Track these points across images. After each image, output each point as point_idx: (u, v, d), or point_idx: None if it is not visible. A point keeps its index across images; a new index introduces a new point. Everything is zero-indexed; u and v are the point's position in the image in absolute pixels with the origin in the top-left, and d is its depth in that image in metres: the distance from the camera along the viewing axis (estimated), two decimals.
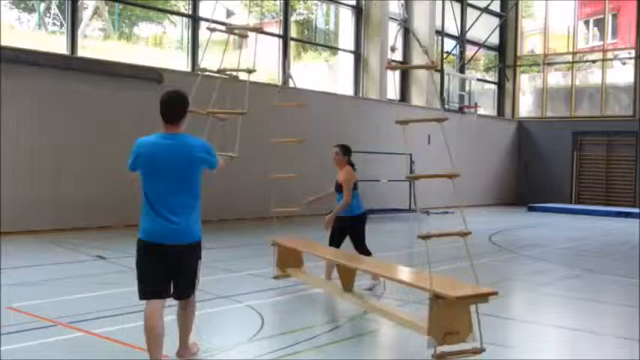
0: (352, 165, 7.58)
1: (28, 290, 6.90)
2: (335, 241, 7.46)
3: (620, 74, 23.57)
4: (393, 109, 19.95)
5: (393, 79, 20.92)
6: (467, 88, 22.29)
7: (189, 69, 15.10)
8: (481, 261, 10.03)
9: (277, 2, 17.63)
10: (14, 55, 11.61)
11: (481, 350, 4.36)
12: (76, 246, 10.18)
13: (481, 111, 22.76)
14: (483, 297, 4.43)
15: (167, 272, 4.34)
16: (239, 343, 5.25)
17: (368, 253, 7.42)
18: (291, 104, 10.12)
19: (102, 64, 12.98)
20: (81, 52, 13.16)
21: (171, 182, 4.38)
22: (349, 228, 7.41)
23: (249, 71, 5.62)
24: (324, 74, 20.23)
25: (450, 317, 4.40)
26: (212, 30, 5.93)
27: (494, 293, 4.43)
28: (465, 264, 9.58)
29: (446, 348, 4.41)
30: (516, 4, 25.01)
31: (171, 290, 4.42)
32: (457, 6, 22.66)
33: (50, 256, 9.26)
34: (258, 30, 6.39)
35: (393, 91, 20.77)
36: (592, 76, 24.44)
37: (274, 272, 7.66)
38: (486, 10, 23.53)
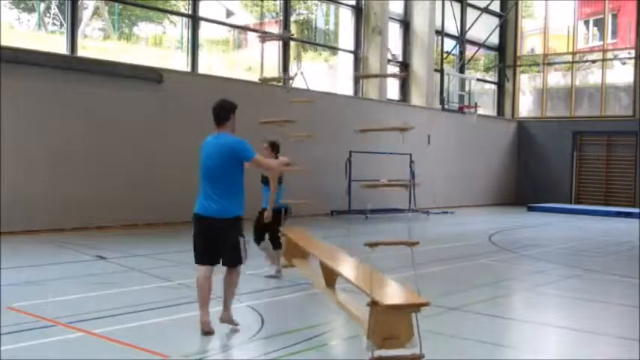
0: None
1: (27, 290, 6.90)
2: (261, 233, 7.91)
3: (620, 74, 23.58)
4: (393, 109, 19.95)
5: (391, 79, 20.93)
6: (467, 88, 22.29)
7: (189, 69, 15.10)
8: (480, 261, 10.04)
9: (277, 2, 17.63)
10: (14, 55, 11.61)
11: (420, 356, 4.40)
12: (76, 246, 10.18)
13: (481, 111, 22.76)
14: (415, 307, 4.47)
15: (212, 242, 5.32)
16: (239, 343, 5.25)
17: (278, 246, 7.90)
18: (304, 100, 10.30)
19: (102, 64, 12.98)
20: (81, 52, 13.16)
21: (213, 172, 5.36)
22: (274, 221, 7.88)
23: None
24: (324, 74, 20.23)
25: (389, 322, 4.45)
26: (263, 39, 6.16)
27: (427, 304, 4.45)
28: (453, 265, 9.61)
29: (384, 352, 4.42)
30: (516, 4, 25.01)
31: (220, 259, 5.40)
32: (457, 6, 22.66)
33: (50, 256, 9.26)
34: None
35: (392, 91, 20.79)
36: (592, 76, 24.45)
37: (281, 262, 7.72)
38: (486, 10, 23.54)
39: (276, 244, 7.87)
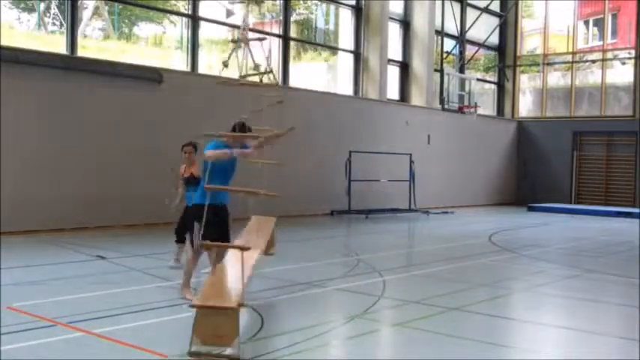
0: None
1: (27, 290, 6.90)
2: (188, 227, 8.03)
3: (620, 74, 23.57)
4: (393, 108, 19.95)
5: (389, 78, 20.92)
6: (466, 88, 22.26)
7: (189, 69, 15.10)
8: (481, 261, 10.04)
9: (277, 2, 17.63)
10: (14, 55, 11.61)
11: (237, 357, 4.57)
12: (76, 246, 10.18)
13: (481, 111, 22.73)
14: (222, 309, 4.63)
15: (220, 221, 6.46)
16: (240, 343, 5.24)
17: (182, 240, 8.17)
18: (273, 96, 10.20)
19: (102, 64, 12.98)
20: (81, 52, 13.16)
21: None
22: (191, 214, 7.94)
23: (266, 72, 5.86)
24: (324, 74, 20.24)
25: (214, 321, 4.62)
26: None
27: (233, 308, 4.60)
28: (452, 265, 9.62)
29: (206, 349, 4.58)
30: (516, 4, 25.01)
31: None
32: (457, 6, 22.65)
33: (50, 256, 9.26)
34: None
35: (392, 91, 20.78)
36: (592, 76, 24.44)
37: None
38: (486, 10, 23.53)
39: (181, 237, 8.26)
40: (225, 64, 6.20)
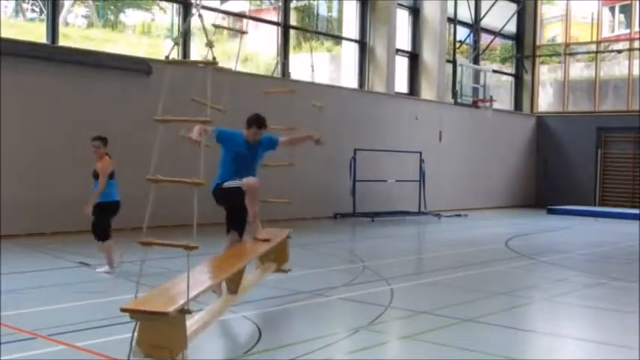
0: (109, 156, 8.96)
1: (4, 300, 6.91)
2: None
3: None
4: (402, 103, 19.96)
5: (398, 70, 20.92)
6: (481, 81, 22.27)
7: (180, 59, 15.10)
8: (496, 268, 10.04)
9: None
10: None
11: None
12: (57, 251, 10.19)
13: (497, 105, 22.75)
14: (156, 315, 4.56)
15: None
16: (234, 358, 5.26)
17: (101, 238, 8.67)
18: (280, 90, 10.52)
19: (85, 55, 12.99)
20: (62, 41, 13.17)
21: None
22: (99, 212, 8.70)
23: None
24: (327, 65, 20.23)
25: (158, 331, 4.58)
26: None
27: (162, 313, 4.52)
28: (466, 273, 9.62)
29: None
30: None
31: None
32: None
33: (29, 263, 9.27)
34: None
35: (401, 84, 20.79)
36: (618, 67, 24.43)
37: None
38: None
39: (100, 236, 8.68)
40: (177, 42, 6.57)
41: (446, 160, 21.03)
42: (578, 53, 25.28)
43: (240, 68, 16.60)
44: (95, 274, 8.54)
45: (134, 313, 4.60)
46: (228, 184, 7.11)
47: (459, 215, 19.27)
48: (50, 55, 12.45)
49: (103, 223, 8.75)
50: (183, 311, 4.64)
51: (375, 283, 8.44)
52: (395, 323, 6.54)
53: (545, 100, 25.81)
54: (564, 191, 23.75)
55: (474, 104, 21.77)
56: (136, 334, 4.56)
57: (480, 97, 22.01)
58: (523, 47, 25.43)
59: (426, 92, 21.07)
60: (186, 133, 7.21)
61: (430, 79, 21.10)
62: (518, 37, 25.47)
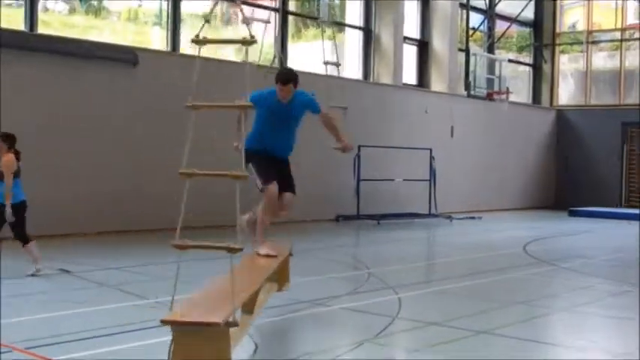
0: (17, 153, 8.93)
1: None
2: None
3: None
4: (410, 95, 19.95)
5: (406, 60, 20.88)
6: (496, 71, 22.24)
7: (168, 48, 15.10)
8: (513, 275, 10.03)
9: None
10: None
11: None
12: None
13: (513, 98, 22.73)
14: (199, 326, 4.46)
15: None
16: None
17: (26, 240, 8.90)
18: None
19: (66, 43, 12.98)
20: (41, 29, 13.16)
21: None
22: (15, 213, 8.72)
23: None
24: (328, 54, 20.18)
25: (198, 346, 4.46)
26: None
27: (216, 325, 4.40)
28: (481, 280, 9.60)
29: None
30: None
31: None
32: None
33: (4, 269, 9.24)
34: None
35: (409, 75, 20.77)
36: None
37: None
38: None
39: (21, 238, 8.89)
40: (207, 20, 6.25)
41: (458, 157, 21.01)
42: (601, 41, 25.25)
43: (236, 58, 16.58)
44: (78, 282, 8.52)
45: (177, 325, 4.44)
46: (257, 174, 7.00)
47: (473, 217, 19.26)
48: (28, 43, 12.42)
49: (21, 224, 8.92)
50: (229, 324, 4.49)
51: (381, 291, 8.42)
52: (403, 335, 6.52)
53: (566, 93, 25.79)
54: (587, 191, 23.72)
55: (489, 97, 21.74)
56: (172, 350, 4.44)
57: (495, 89, 21.98)
58: (542, 35, 25.41)
59: (437, 84, 21.05)
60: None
61: (441, 70, 21.08)
62: (537, 24, 25.44)
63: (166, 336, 5.87)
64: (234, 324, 4.53)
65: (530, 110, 24.64)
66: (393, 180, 18.48)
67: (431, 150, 19.00)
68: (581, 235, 15.99)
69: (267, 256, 6.85)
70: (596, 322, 7.33)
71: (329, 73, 14.71)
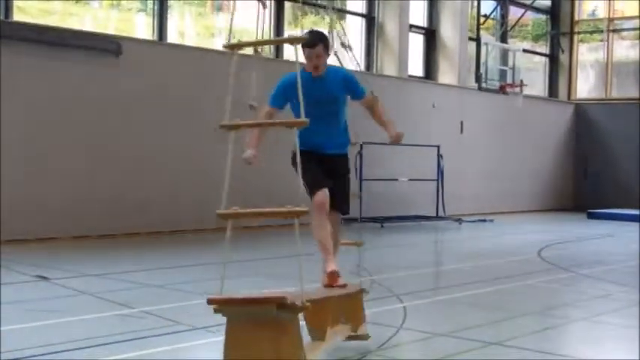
0: None
1: None
2: None
3: None
4: (416, 88, 19.96)
5: (413, 50, 20.90)
6: (510, 62, 22.27)
7: (155, 37, 15.11)
8: (527, 282, 10.05)
9: None
10: None
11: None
12: (11, 262, 10.19)
13: (528, 91, 22.75)
14: (260, 304, 4.05)
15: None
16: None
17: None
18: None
19: (44, 32, 12.98)
20: (17, 16, 13.17)
21: None
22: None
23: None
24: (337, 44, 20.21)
25: (255, 339, 4.10)
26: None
27: (278, 299, 4.05)
28: (492, 288, 9.62)
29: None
30: None
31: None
32: None
33: None
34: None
35: (415, 66, 20.79)
36: None
37: None
38: None
39: None
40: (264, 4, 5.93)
41: (468, 155, 21.03)
42: (623, 30, 25.28)
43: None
44: (54, 289, 8.53)
45: (225, 305, 4.09)
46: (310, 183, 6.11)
47: (484, 220, 19.28)
48: (3, 32, 12.42)
49: None
50: (298, 308, 4.02)
51: (386, 300, 8.44)
52: (409, 347, 6.54)
53: (585, 85, 25.82)
54: (607, 192, 23.76)
55: (502, 90, 21.76)
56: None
57: (509, 81, 22.00)
58: (559, 23, 25.44)
59: (445, 76, 21.08)
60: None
61: (450, 61, 21.10)
62: (554, 11, 25.47)
63: (151, 348, 5.91)
64: (304, 308, 4.10)
65: (547, 104, 24.67)
66: (397, 180, 18.50)
67: (439, 147, 19.02)
68: (601, 240, 16.01)
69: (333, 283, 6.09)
70: (615, 333, 7.34)
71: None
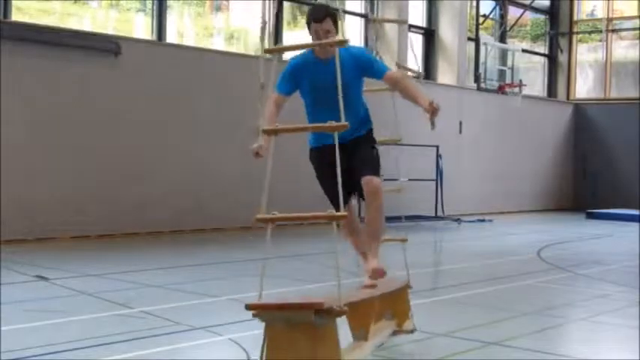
0: None
1: None
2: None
3: None
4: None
5: (410, 49, 20.88)
6: (509, 62, 22.29)
7: (154, 37, 15.12)
8: (526, 282, 10.06)
9: None
10: None
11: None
12: (10, 263, 10.19)
13: (527, 91, 22.76)
14: (295, 310, 4.03)
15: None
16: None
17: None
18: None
19: (42, 31, 12.98)
20: (16, 16, 13.17)
21: None
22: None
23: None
24: None
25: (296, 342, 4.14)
26: None
27: (314, 305, 4.04)
28: (492, 288, 9.63)
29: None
30: None
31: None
32: None
33: None
34: None
35: (414, 65, 20.78)
36: None
37: None
38: None
39: None
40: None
41: (467, 155, 21.04)
42: (622, 30, 25.28)
43: (226, 47, 16.62)
44: (53, 289, 8.54)
45: (264, 310, 4.10)
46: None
47: (483, 220, 19.29)
48: (1, 32, 12.42)
49: None
50: (335, 312, 3.99)
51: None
52: (408, 347, 6.55)
53: (584, 86, 25.82)
54: (606, 192, 23.77)
55: (501, 90, 21.77)
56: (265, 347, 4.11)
57: (508, 81, 22.02)
58: (558, 22, 25.44)
59: (444, 75, 21.08)
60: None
61: (449, 60, 21.11)
62: (552, 11, 25.48)
63: (152, 348, 5.92)
64: (342, 312, 4.05)
65: (546, 104, 24.67)
66: (396, 180, 18.42)
67: (437, 147, 19.01)
68: (600, 240, 16.02)
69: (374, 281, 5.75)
70: (614, 333, 7.36)
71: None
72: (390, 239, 6.81)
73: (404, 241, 6.83)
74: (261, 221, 4.35)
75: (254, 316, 4.24)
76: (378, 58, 5.59)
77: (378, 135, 6.74)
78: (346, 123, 4.56)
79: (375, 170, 5.90)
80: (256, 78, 4.92)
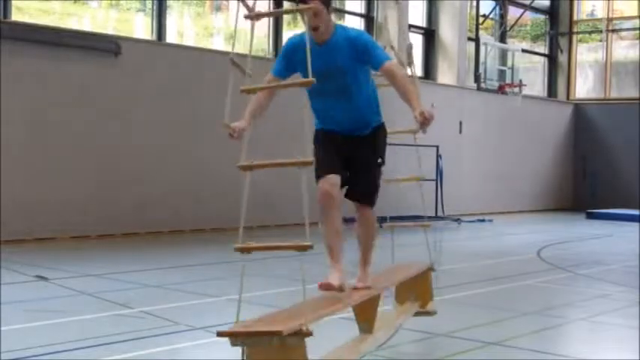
0: None
1: None
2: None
3: None
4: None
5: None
6: (509, 62, 22.29)
7: (154, 37, 15.12)
8: (526, 282, 10.06)
9: None
10: None
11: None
12: (10, 263, 10.19)
13: (527, 91, 22.76)
14: (257, 336, 4.22)
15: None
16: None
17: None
18: None
19: (43, 31, 12.98)
20: (16, 16, 13.17)
21: None
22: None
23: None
24: None
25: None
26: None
27: (273, 333, 4.13)
28: (492, 288, 9.63)
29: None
30: None
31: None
32: None
33: None
34: None
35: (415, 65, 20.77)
36: None
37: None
38: None
39: None
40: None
41: (467, 155, 21.04)
42: (622, 30, 25.28)
43: (226, 47, 16.61)
44: (53, 290, 8.54)
45: (235, 337, 4.23)
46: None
47: (483, 220, 19.29)
48: (1, 32, 12.42)
49: None
50: (301, 333, 4.08)
51: (384, 299, 8.43)
52: (407, 347, 6.55)
53: (584, 86, 25.82)
54: (606, 192, 23.76)
55: (501, 90, 21.78)
56: None
57: (508, 81, 22.03)
58: (558, 22, 25.44)
59: (444, 75, 21.08)
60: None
61: (449, 60, 21.11)
62: (552, 11, 25.48)
63: (152, 348, 5.91)
64: (307, 333, 4.10)
65: (546, 104, 24.67)
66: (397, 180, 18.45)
67: (437, 147, 19.00)
68: (600, 240, 16.02)
69: (338, 289, 5.41)
70: (614, 333, 7.35)
71: None
72: (412, 224, 7.77)
73: (426, 226, 7.48)
74: (238, 250, 4.37)
75: (232, 344, 4.33)
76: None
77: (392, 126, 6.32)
78: (312, 79, 4.13)
79: (372, 199, 5.77)
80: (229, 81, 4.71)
